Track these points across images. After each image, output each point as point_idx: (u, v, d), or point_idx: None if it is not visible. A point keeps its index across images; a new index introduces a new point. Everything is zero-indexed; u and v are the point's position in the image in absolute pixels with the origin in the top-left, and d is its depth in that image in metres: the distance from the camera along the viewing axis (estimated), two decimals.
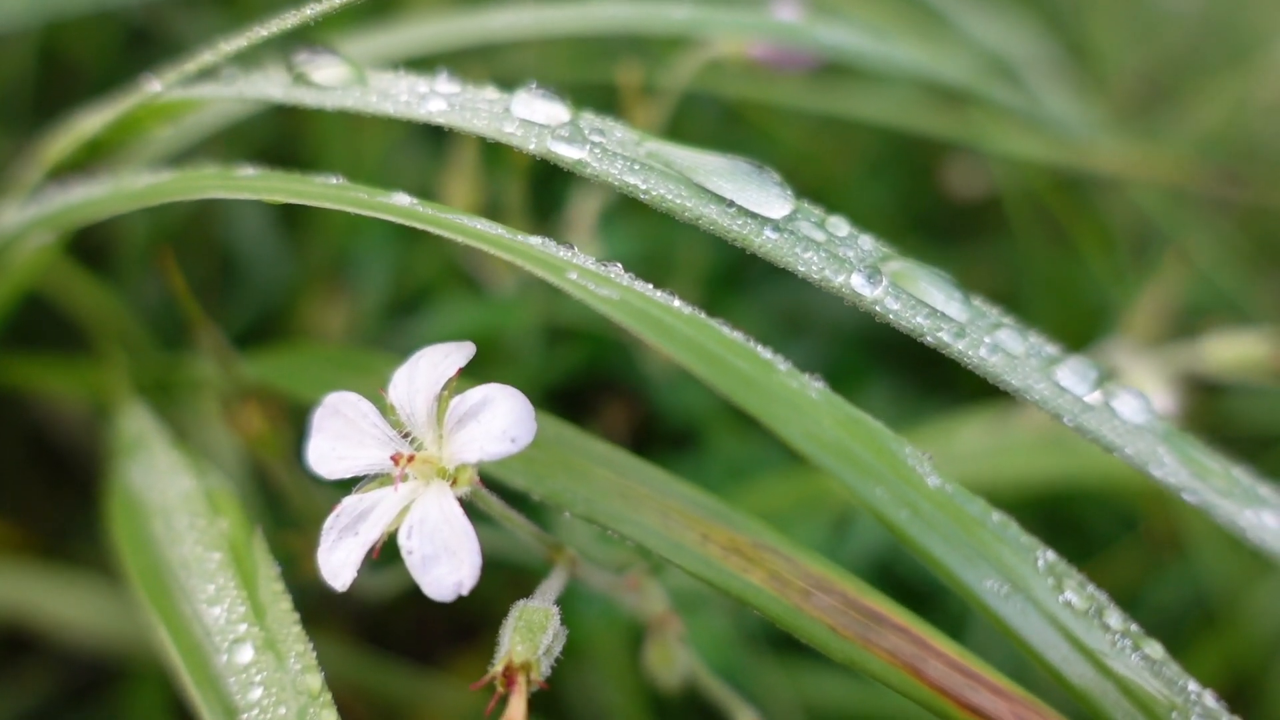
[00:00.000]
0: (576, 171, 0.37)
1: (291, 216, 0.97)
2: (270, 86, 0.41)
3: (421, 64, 0.47)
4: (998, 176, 1.02)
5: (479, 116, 0.38)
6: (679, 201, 0.37)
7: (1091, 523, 1.04)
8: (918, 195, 1.16)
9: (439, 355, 0.35)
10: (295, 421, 0.45)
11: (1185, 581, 0.98)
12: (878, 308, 0.37)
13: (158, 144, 0.55)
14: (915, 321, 0.37)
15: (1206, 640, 0.94)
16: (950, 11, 0.88)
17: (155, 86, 0.43)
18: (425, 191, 0.79)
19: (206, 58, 0.40)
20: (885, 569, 0.87)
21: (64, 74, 0.97)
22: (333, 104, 0.39)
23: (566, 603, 0.73)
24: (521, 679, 0.33)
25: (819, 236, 0.37)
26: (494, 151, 0.72)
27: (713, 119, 0.93)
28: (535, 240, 0.36)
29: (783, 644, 0.79)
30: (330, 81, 0.40)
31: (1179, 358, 0.55)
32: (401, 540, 0.33)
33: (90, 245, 0.88)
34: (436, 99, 0.39)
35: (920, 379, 1.05)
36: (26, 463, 0.94)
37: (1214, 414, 1.03)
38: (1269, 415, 1.04)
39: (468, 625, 0.89)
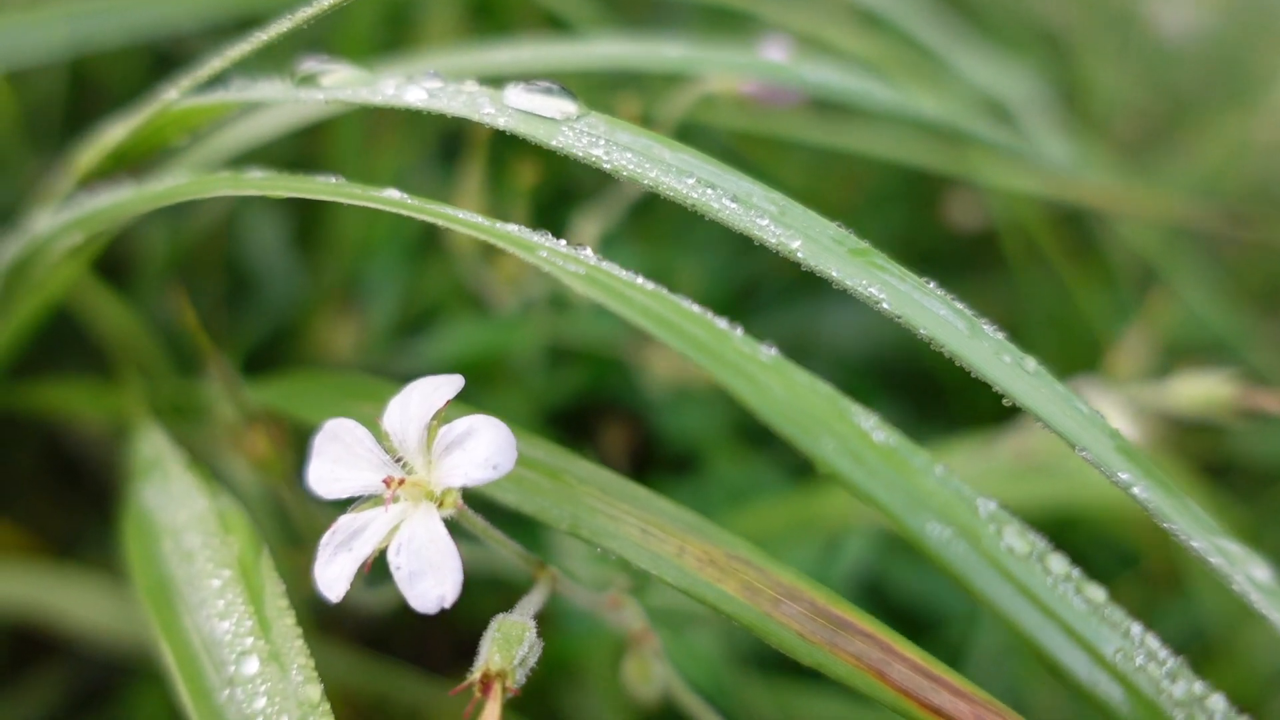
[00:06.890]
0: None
1: (306, 237, 1.00)
2: (272, 89, 0.44)
3: None
4: (995, 211, 1.04)
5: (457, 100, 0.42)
6: (636, 170, 0.40)
7: (1092, 557, 1.05)
8: (920, 228, 1.17)
9: (430, 387, 0.37)
10: (300, 445, 0.48)
11: (1184, 618, 0.99)
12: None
13: (184, 163, 0.59)
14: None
15: (1204, 676, 0.95)
16: (948, 52, 0.90)
17: (171, 93, 0.46)
18: None
19: (216, 64, 0.43)
20: (877, 595, 0.89)
21: (92, 95, 1.00)
22: (328, 97, 0.42)
23: (560, 620, 0.74)
24: (497, 686, 0.36)
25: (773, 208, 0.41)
26: (500, 174, 0.74)
27: (713, 153, 0.95)
28: (512, 227, 0.39)
29: (773, 666, 0.80)
30: (336, 84, 0.43)
31: (1147, 395, 0.57)
32: (390, 557, 0.35)
33: (113, 264, 0.91)
34: (418, 89, 0.42)
35: (919, 407, 1.06)
36: (40, 471, 0.96)
37: (1216, 452, 1.04)
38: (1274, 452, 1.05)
39: (469, 642, 0.91)
